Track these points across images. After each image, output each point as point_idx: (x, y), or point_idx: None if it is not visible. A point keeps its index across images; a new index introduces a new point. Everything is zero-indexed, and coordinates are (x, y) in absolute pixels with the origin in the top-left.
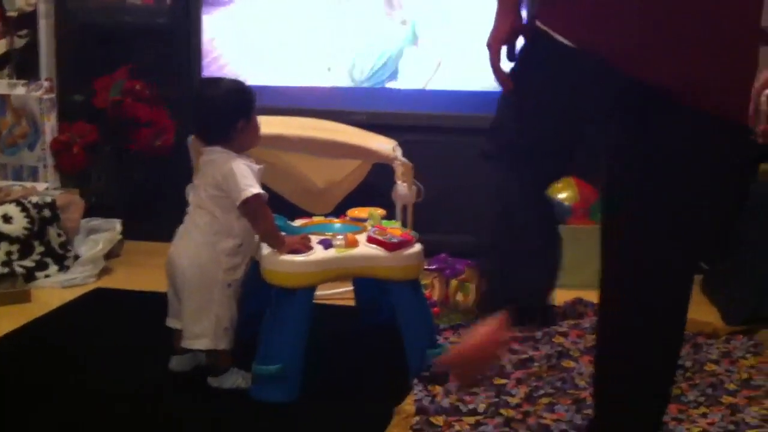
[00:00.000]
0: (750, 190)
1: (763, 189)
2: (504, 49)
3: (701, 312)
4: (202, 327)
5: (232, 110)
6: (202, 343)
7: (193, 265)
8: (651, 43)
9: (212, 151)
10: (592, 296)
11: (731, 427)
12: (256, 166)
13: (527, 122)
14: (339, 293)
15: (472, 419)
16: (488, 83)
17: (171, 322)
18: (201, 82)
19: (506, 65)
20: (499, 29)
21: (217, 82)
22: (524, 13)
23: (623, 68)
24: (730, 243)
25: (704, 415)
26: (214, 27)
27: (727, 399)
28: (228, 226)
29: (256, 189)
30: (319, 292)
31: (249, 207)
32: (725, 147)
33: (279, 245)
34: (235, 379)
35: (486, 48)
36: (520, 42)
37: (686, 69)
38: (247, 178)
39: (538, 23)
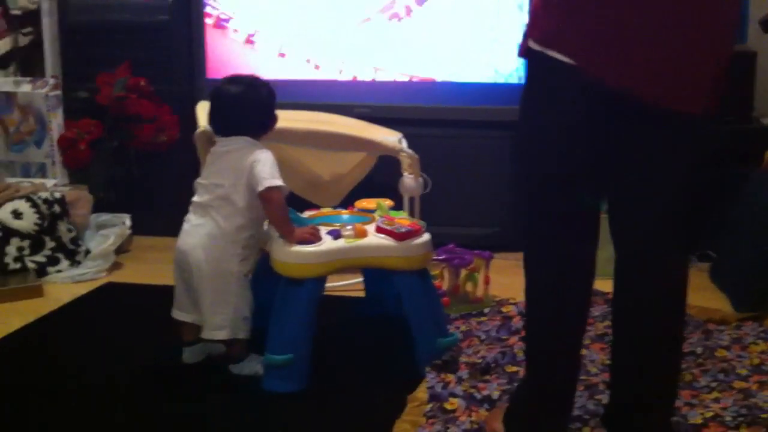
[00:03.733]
0: (751, 175)
1: (765, 175)
2: None
3: (710, 299)
4: (222, 318)
5: (270, 108)
6: (222, 334)
7: (210, 258)
8: (652, 65)
9: (234, 140)
10: (601, 285)
11: (744, 411)
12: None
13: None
14: (349, 285)
15: (488, 413)
16: (493, 75)
17: (178, 315)
18: (236, 79)
19: None
20: None
21: (252, 79)
22: None
23: (624, 85)
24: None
25: (716, 400)
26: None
27: (738, 384)
28: (245, 217)
29: (280, 181)
30: (329, 284)
31: (270, 195)
32: (705, 135)
33: (289, 235)
34: (253, 366)
35: None
36: None
37: (674, 81)
38: (274, 168)
39: (538, 46)
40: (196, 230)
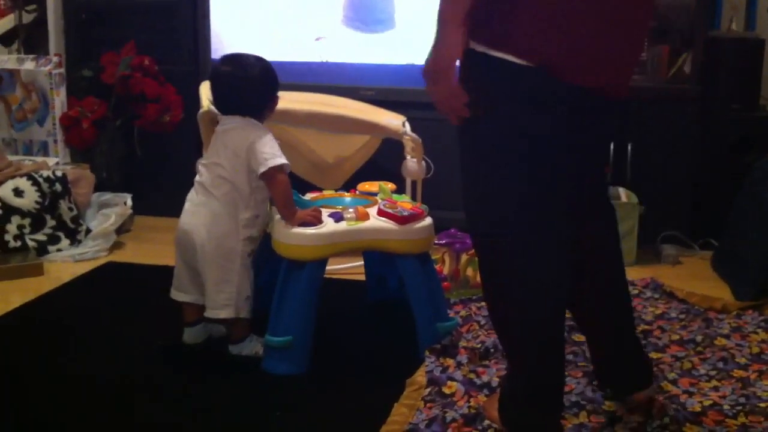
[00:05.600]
0: (756, 164)
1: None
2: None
3: (711, 288)
4: (225, 297)
5: (270, 86)
6: (225, 313)
7: (213, 237)
8: (595, 57)
9: (233, 119)
10: None
11: (742, 400)
12: (276, 140)
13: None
14: (349, 268)
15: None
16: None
17: (178, 296)
18: (230, 58)
19: None
20: (453, 46)
21: (248, 57)
22: None
23: (574, 80)
24: None
25: (715, 389)
26: (218, 2)
27: (737, 373)
28: (247, 197)
29: (282, 159)
30: (329, 267)
31: (272, 175)
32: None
33: (291, 217)
34: (253, 346)
35: (434, 73)
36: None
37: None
38: (273, 147)
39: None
40: (199, 209)
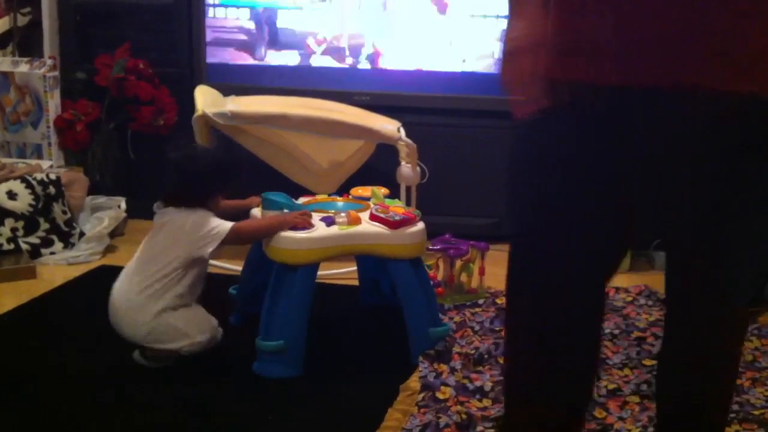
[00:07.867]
0: None
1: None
2: None
3: None
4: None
5: (219, 182)
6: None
7: (152, 336)
8: None
9: (167, 212)
10: None
11: (735, 407)
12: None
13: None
14: (342, 273)
15: (480, 404)
16: (491, 65)
17: None
18: (188, 152)
19: None
20: (539, 27)
21: (206, 152)
22: None
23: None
24: None
25: None
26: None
27: None
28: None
29: (226, 223)
30: (322, 272)
31: (231, 239)
32: None
33: (281, 226)
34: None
35: (516, 54)
36: None
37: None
38: (212, 220)
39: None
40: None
